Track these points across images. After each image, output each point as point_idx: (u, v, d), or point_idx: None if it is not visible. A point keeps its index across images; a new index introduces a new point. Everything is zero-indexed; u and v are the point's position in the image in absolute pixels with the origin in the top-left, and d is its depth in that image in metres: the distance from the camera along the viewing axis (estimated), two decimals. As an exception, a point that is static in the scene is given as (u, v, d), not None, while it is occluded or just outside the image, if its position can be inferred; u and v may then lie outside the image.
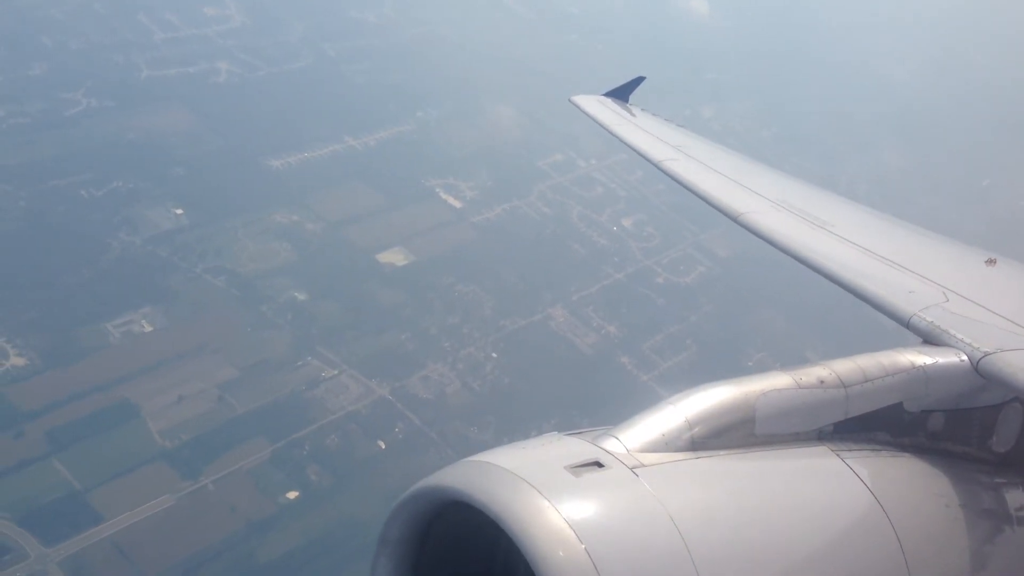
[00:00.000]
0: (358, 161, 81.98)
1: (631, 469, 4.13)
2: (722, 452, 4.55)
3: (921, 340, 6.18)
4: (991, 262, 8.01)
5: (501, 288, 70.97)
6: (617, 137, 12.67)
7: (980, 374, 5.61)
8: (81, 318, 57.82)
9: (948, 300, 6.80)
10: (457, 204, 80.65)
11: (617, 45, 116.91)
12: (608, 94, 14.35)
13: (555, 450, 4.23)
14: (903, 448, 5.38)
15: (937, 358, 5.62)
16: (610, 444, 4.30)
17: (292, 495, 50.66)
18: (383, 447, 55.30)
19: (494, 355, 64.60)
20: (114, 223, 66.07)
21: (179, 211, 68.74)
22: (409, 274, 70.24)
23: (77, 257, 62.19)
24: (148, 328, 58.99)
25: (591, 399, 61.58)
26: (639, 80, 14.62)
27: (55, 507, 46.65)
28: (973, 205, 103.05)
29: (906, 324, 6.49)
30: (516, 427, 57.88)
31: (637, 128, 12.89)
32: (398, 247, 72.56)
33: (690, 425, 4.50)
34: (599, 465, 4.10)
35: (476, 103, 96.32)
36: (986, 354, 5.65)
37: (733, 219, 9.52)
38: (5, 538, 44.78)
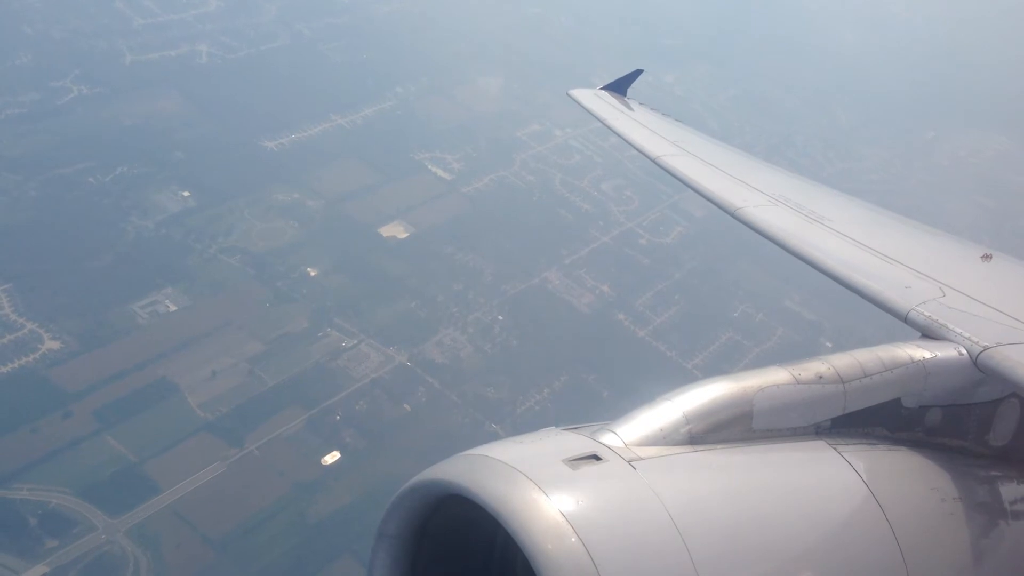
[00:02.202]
0: (347, 138, 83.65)
1: (628, 462, 4.14)
2: (719, 446, 4.56)
3: (919, 335, 6.24)
4: (987, 257, 8.04)
5: (498, 255, 73.63)
6: (615, 132, 12.75)
7: (979, 368, 5.63)
8: (108, 301, 59.14)
9: (945, 295, 6.85)
10: (447, 176, 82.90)
11: (579, 16, 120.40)
12: (606, 88, 14.54)
13: (552, 444, 4.25)
14: (900, 443, 5.39)
15: (936, 352, 5.63)
16: (608, 438, 4.31)
17: (333, 457, 53.37)
18: (409, 409, 58.20)
19: (500, 318, 67.43)
20: (124, 208, 67.11)
21: (186, 193, 69.92)
22: (411, 245, 72.61)
23: (95, 242, 63.25)
24: (172, 308, 60.54)
25: (596, 356, 65.25)
26: (637, 73, 14.81)
27: (114, 480, 48.39)
28: (919, 156, 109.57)
29: (904, 319, 6.53)
30: (529, 386, 61.29)
31: (635, 123, 13.01)
32: (397, 220, 74.80)
33: (687, 420, 4.51)
34: (596, 458, 4.11)
35: (451, 77, 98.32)
36: (985, 348, 5.68)
37: (730, 213, 9.55)
38: (71, 511, 46.36)
